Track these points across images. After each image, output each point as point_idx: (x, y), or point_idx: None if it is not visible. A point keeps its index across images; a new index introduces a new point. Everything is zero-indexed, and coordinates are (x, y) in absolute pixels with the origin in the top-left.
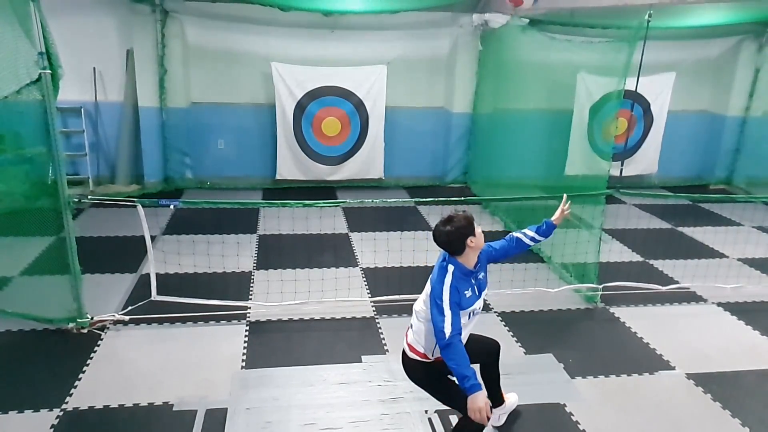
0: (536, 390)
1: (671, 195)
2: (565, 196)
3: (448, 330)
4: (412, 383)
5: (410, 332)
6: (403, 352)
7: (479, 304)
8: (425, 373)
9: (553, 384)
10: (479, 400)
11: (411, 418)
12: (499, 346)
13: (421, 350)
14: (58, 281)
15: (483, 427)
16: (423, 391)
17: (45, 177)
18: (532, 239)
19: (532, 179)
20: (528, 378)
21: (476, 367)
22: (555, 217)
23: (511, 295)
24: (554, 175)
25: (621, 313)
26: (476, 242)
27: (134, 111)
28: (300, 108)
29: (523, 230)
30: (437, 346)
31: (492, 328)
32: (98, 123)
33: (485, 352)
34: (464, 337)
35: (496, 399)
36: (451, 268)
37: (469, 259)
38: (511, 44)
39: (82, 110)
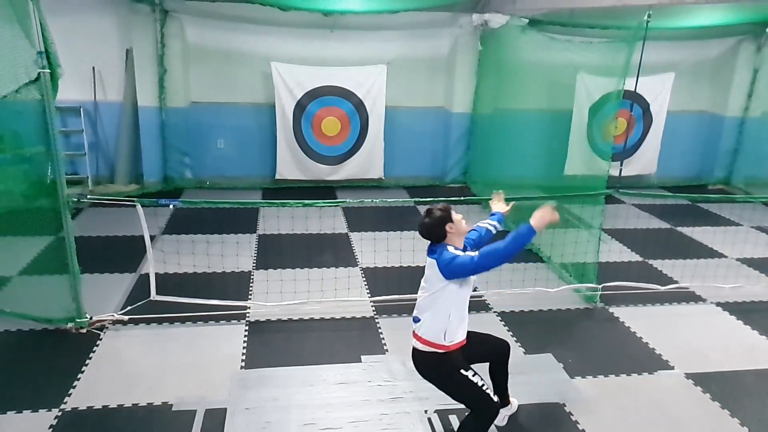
0: (536, 390)
1: (670, 195)
2: (499, 193)
3: (474, 254)
4: (413, 383)
5: (417, 327)
6: (414, 350)
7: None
8: (438, 366)
9: (553, 384)
10: (537, 214)
11: (410, 418)
12: (508, 347)
13: (433, 340)
14: (57, 281)
15: (490, 425)
16: (423, 391)
17: (44, 176)
18: (495, 227)
19: (531, 179)
20: (527, 378)
21: (485, 365)
22: (504, 211)
23: (511, 294)
24: (554, 175)
25: (620, 312)
26: (456, 228)
27: (134, 110)
28: (300, 108)
29: (487, 221)
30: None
31: (492, 327)
32: (97, 122)
33: (495, 352)
34: (464, 330)
35: (503, 399)
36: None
37: (454, 241)
38: (510, 44)
39: (82, 110)
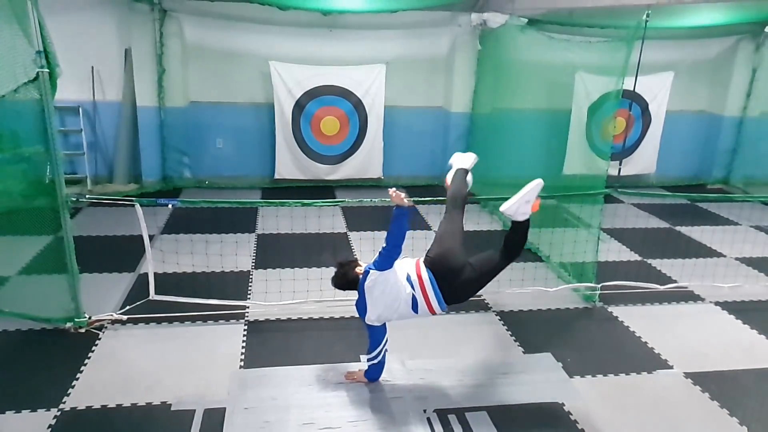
0: (535, 389)
1: (669, 194)
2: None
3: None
4: (412, 383)
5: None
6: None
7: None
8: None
9: (552, 383)
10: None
11: (410, 417)
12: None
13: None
14: (55, 281)
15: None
16: (422, 391)
17: (43, 176)
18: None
19: (530, 179)
20: (526, 377)
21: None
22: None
23: (510, 294)
24: (553, 174)
25: (619, 312)
26: (361, 267)
27: (132, 110)
28: (299, 107)
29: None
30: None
31: (490, 327)
32: (96, 122)
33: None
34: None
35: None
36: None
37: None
38: (509, 44)
39: (80, 109)
